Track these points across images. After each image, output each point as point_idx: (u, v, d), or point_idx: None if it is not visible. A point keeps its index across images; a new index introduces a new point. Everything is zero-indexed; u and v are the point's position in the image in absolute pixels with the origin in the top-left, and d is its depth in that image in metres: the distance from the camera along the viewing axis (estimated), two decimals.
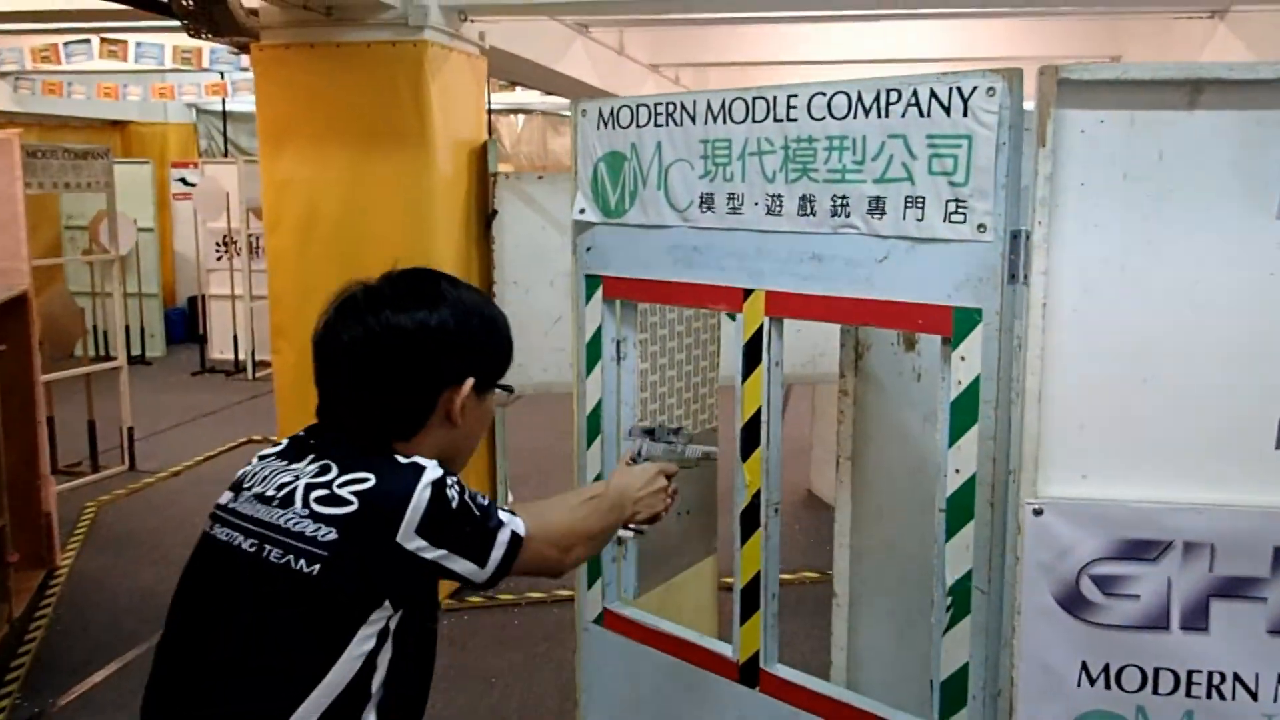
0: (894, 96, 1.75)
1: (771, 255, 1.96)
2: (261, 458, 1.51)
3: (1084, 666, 1.62)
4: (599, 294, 2.29)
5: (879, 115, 1.77)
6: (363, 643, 1.34)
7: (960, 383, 1.69)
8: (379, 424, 1.45)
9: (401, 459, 1.41)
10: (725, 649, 2.11)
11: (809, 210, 1.89)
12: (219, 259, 9.89)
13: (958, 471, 1.71)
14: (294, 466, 1.43)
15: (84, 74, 9.58)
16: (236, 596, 1.38)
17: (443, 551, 1.37)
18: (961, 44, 7.81)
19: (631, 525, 1.82)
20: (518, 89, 10.40)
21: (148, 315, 10.36)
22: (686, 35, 9.05)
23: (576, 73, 7.56)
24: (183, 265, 11.29)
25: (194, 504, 5.55)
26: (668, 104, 2.11)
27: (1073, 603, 1.62)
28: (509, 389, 1.56)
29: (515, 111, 13.89)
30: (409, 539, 1.35)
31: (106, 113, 11.40)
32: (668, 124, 2.11)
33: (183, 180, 11.15)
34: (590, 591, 2.37)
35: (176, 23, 4.70)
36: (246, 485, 1.46)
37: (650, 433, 2.01)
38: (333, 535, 1.33)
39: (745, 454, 2.03)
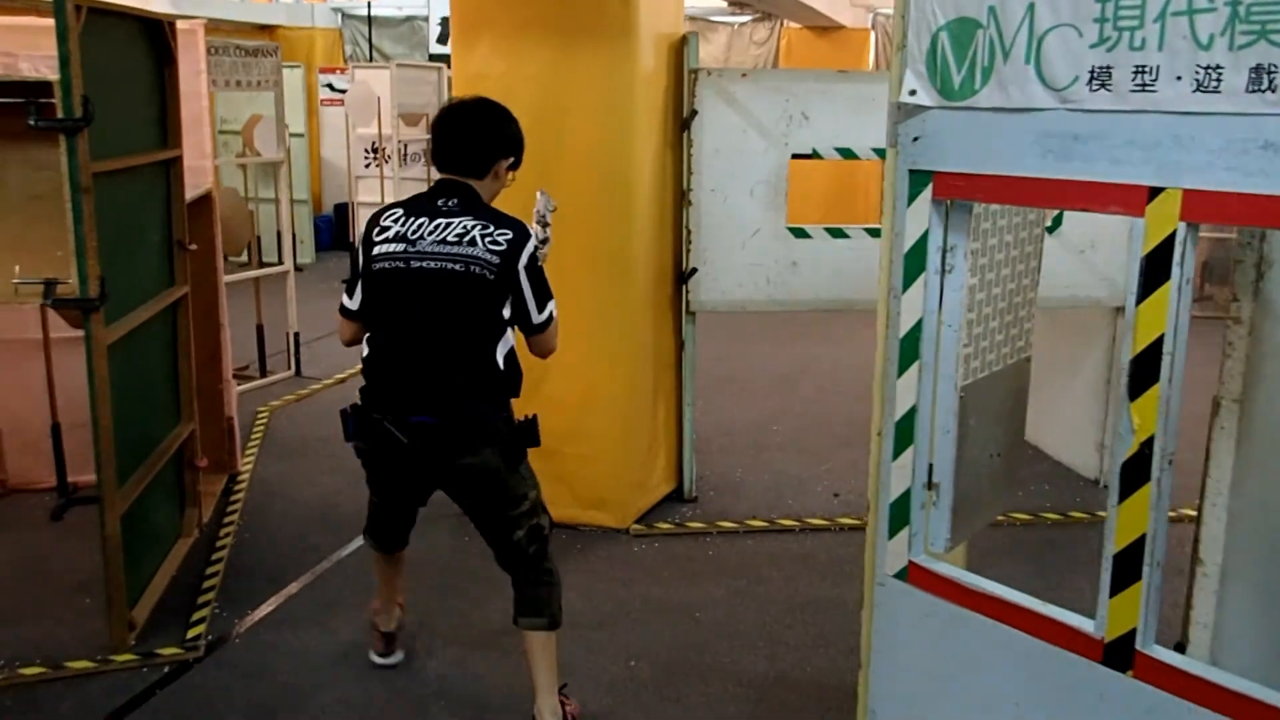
0: None
1: (1197, 144, 1.55)
2: (393, 220, 2.64)
3: None
4: (927, 193, 1.91)
5: None
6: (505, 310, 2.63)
7: None
8: (474, 165, 2.66)
9: (522, 222, 2.65)
10: (1085, 624, 1.77)
11: (1265, 85, 1.47)
12: (368, 166, 9.78)
13: None
14: (460, 220, 2.58)
15: None
16: (449, 298, 2.56)
17: (528, 286, 2.60)
18: None
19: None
20: None
21: (298, 221, 10.36)
22: None
23: None
24: (330, 172, 11.27)
25: None
26: None
27: None
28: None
29: None
30: (520, 272, 2.59)
31: (256, 16, 11.33)
32: None
33: (329, 86, 11.07)
34: (893, 542, 2.05)
35: None
36: (412, 237, 2.58)
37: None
38: (495, 259, 2.54)
39: (1135, 392, 1.65)
